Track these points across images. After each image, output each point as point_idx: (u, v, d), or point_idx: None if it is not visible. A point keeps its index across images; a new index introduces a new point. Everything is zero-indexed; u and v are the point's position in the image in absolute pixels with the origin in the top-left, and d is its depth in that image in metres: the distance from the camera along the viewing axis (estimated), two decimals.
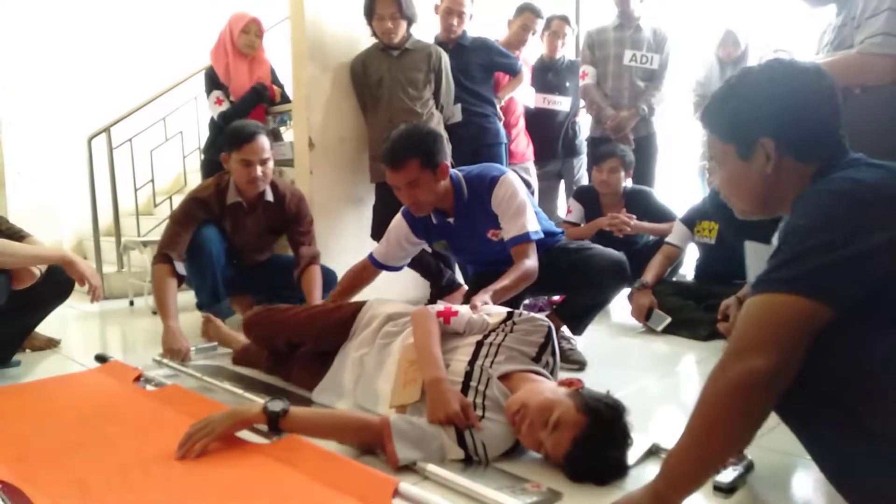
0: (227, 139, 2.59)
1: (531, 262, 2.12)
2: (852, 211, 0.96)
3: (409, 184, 2.07)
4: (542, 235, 2.21)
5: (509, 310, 1.70)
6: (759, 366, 0.92)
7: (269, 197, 2.68)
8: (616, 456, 1.33)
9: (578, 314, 2.31)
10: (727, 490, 1.26)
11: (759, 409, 0.96)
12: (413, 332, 1.68)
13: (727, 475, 1.28)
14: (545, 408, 1.35)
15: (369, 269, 2.42)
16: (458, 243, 2.34)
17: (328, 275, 2.83)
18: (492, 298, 1.93)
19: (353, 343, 1.86)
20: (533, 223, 2.17)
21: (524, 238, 2.15)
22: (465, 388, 1.51)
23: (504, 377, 1.52)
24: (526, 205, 2.17)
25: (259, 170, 2.53)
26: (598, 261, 2.20)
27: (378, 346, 1.78)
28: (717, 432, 0.98)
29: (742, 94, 1.12)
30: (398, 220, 2.34)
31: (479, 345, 1.60)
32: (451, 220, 2.23)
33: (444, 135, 2.16)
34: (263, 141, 2.55)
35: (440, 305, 1.75)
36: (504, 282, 2.03)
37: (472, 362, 1.56)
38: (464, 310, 1.73)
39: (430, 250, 2.69)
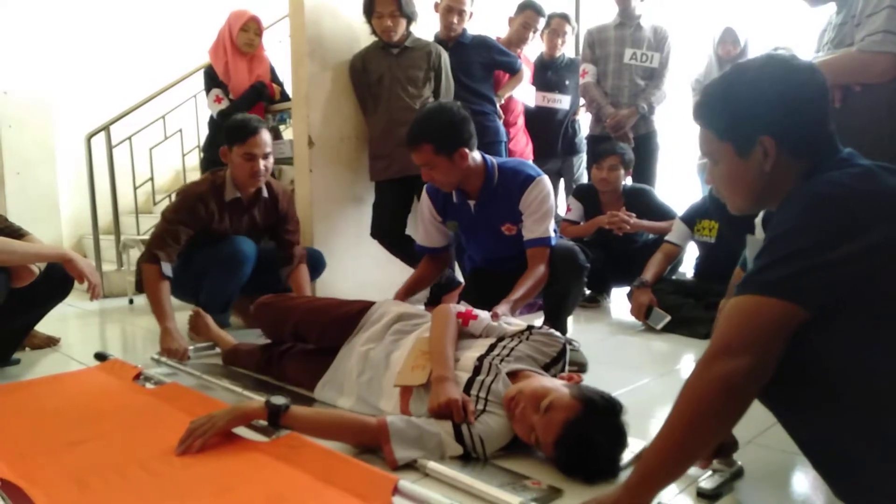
0: (229, 133, 2.59)
1: (545, 267, 2.19)
2: (834, 216, 0.98)
3: (423, 165, 2.14)
4: (555, 242, 2.25)
5: (529, 324, 1.72)
6: (743, 364, 0.96)
7: (266, 194, 2.69)
8: (607, 445, 1.31)
9: (552, 313, 2.32)
10: (710, 496, 1.24)
11: (741, 405, 1.01)
12: (431, 326, 1.69)
13: (712, 480, 1.26)
14: (539, 393, 1.37)
15: (425, 262, 2.44)
16: (469, 228, 2.35)
17: (315, 256, 2.85)
18: (511, 309, 1.97)
19: (359, 338, 1.84)
20: (553, 230, 2.24)
21: (545, 242, 2.21)
22: (472, 381, 1.52)
23: (512, 374, 1.52)
24: (552, 210, 2.24)
25: (261, 164, 2.55)
26: (551, 255, 2.23)
27: (387, 341, 1.77)
28: (700, 427, 1.01)
29: (740, 91, 1.12)
30: (423, 196, 2.39)
31: (493, 346, 1.62)
32: (471, 202, 2.25)
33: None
34: (266, 136, 2.58)
35: (461, 307, 1.77)
36: (521, 290, 2.09)
37: (482, 357, 1.57)
38: (484, 315, 1.75)
39: None
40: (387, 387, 1.67)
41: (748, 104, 1.10)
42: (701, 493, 1.25)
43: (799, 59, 1.16)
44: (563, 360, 1.64)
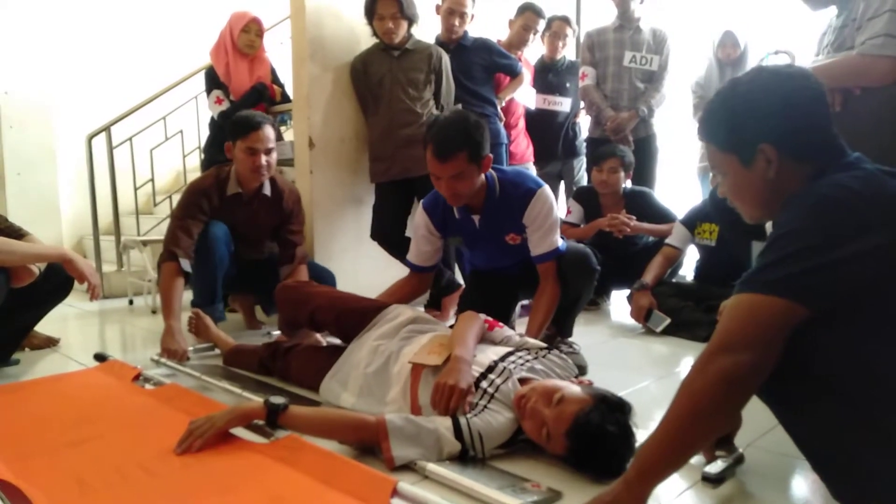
0: (232, 128, 2.60)
1: (555, 281, 2.20)
2: (836, 217, 1.00)
3: (453, 176, 2.06)
4: (564, 247, 2.24)
5: (548, 345, 1.75)
6: (744, 360, 0.99)
7: (268, 191, 2.69)
8: (617, 437, 1.32)
9: (560, 315, 2.31)
10: (715, 481, 1.30)
11: (740, 400, 1.03)
12: (458, 322, 1.75)
13: (716, 466, 1.31)
14: (551, 389, 1.41)
15: (411, 277, 2.42)
16: (474, 242, 2.34)
17: (325, 275, 2.83)
18: (534, 336, 2.01)
19: (371, 333, 1.89)
20: (559, 238, 2.22)
21: (554, 255, 2.20)
22: (483, 377, 1.54)
23: (522, 381, 1.54)
24: (558, 221, 2.22)
25: (263, 159, 2.55)
26: (562, 259, 2.22)
27: (399, 337, 1.81)
28: (700, 420, 1.03)
29: (735, 103, 1.15)
30: (419, 214, 2.35)
31: (510, 353, 1.65)
32: (475, 217, 2.23)
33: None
34: (269, 131, 2.57)
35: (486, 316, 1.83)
36: (540, 317, 2.14)
37: (497, 361, 1.60)
38: (507, 328, 1.83)
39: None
40: (395, 375, 1.70)
41: (744, 114, 1.13)
42: (706, 478, 1.30)
43: (791, 67, 1.21)
44: None
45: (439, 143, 2.02)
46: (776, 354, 0.99)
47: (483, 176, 2.16)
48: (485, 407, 1.47)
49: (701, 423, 1.03)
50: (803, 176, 1.10)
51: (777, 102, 1.11)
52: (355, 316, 1.97)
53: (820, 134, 1.12)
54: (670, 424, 1.04)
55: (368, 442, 1.43)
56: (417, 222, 2.36)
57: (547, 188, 2.23)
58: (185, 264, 2.48)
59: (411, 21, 2.95)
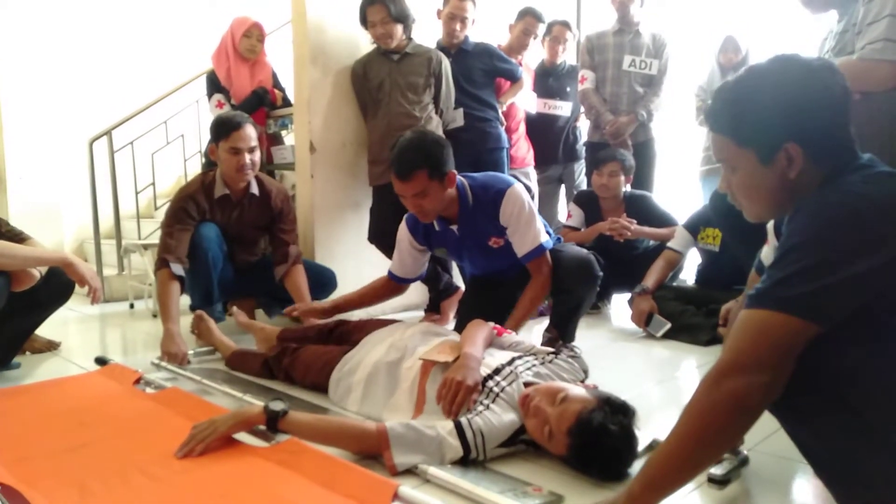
0: (214, 129, 2.62)
1: (545, 275, 2.20)
2: (852, 229, 0.96)
3: (416, 194, 2.09)
4: (551, 244, 2.23)
5: (555, 350, 1.77)
6: (756, 382, 0.96)
7: (255, 190, 2.69)
8: (619, 438, 1.32)
9: (562, 320, 2.31)
10: (721, 482, 1.30)
11: (751, 421, 1.00)
12: (467, 327, 1.78)
13: (721, 467, 1.32)
14: (555, 388, 1.43)
15: (390, 285, 2.44)
16: (458, 251, 2.35)
17: (327, 274, 2.84)
18: (515, 330, 2.05)
19: (385, 332, 1.95)
20: (542, 232, 2.21)
21: (539, 251, 2.19)
22: (490, 378, 1.56)
23: (528, 384, 1.55)
24: (534, 215, 2.20)
25: (247, 157, 2.55)
26: (564, 264, 2.22)
27: (415, 338, 1.85)
28: (708, 441, 1.01)
29: (762, 97, 1.06)
30: (402, 229, 2.36)
31: (518, 357, 1.67)
32: (454, 227, 2.24)
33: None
34: (250, 130, 2.58)
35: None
36: (520, 311, 2.17)
37: (505, 364, 1.62)
38: (515, 335, 1.88)
39: None
40: (404, 371, 1.73)
41: (772, 110, 1.05)
42: (712, 479, 1.30)
43: (816, 61, 1.11)
44: None
45: (398, 163, 2.07)
46: (788, 373, 0.97)
47: (454, 188, 2.16)
48: (487, 406, 1.49)
49: (709, 444, 1.01)
50: (817, 178, 1.06)
51: (808, 100, 1.04)
52: (376, 324, 2.08)
53: (842, 135, 1.07)
54: (678, 442, 1.02)
55: (370, 451, 1.43)
56: (400, 237, 2.37)
57: (517, 186, 2.20)
58: (178, 269, 2.48)
59: (404, 23, 2.94)
